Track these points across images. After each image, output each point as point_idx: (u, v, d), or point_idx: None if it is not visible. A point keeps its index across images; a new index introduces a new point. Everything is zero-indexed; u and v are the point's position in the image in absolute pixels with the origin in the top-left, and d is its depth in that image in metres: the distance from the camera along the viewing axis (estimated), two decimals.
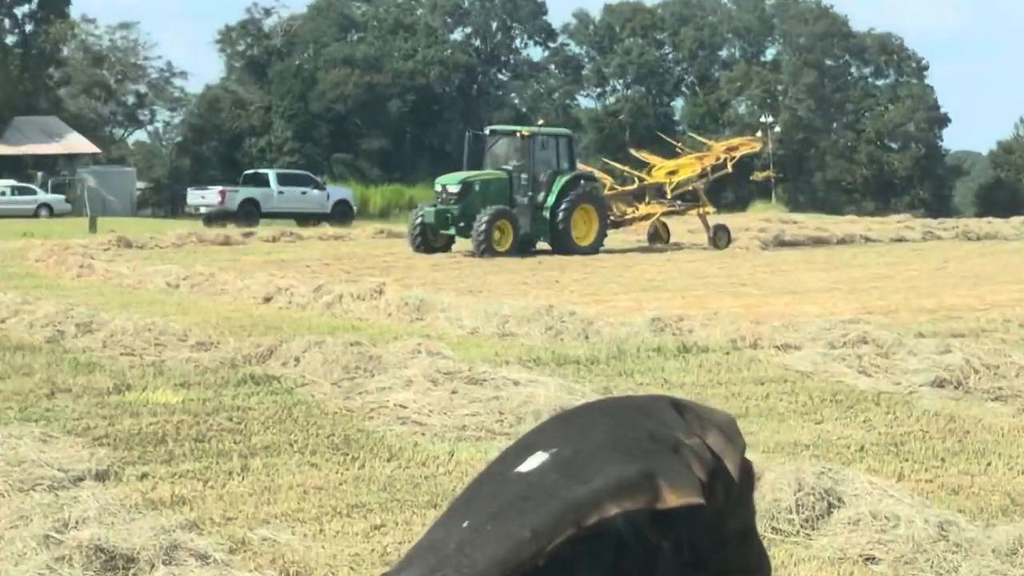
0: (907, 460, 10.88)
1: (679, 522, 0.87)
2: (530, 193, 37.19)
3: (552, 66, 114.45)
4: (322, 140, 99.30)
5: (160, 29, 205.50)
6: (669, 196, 41.09)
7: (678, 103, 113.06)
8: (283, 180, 63.62)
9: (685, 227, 43.13)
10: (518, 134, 38.81)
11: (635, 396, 1.00)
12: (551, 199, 37.07)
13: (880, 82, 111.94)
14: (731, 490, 0.94)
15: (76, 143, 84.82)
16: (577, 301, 22.73)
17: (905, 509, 8.40)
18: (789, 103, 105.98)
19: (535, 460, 0.93)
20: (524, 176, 37.41)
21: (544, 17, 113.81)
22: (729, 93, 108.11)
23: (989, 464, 10.76)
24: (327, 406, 13.23)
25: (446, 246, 37.56)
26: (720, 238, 39.72)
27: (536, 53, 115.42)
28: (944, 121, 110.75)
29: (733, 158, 41.85)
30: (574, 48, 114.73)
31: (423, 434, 11.87)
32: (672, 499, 0.91)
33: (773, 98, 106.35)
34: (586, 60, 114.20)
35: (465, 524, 0.91)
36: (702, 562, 0.96)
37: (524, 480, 0.92)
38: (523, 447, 0.95)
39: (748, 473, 0.96)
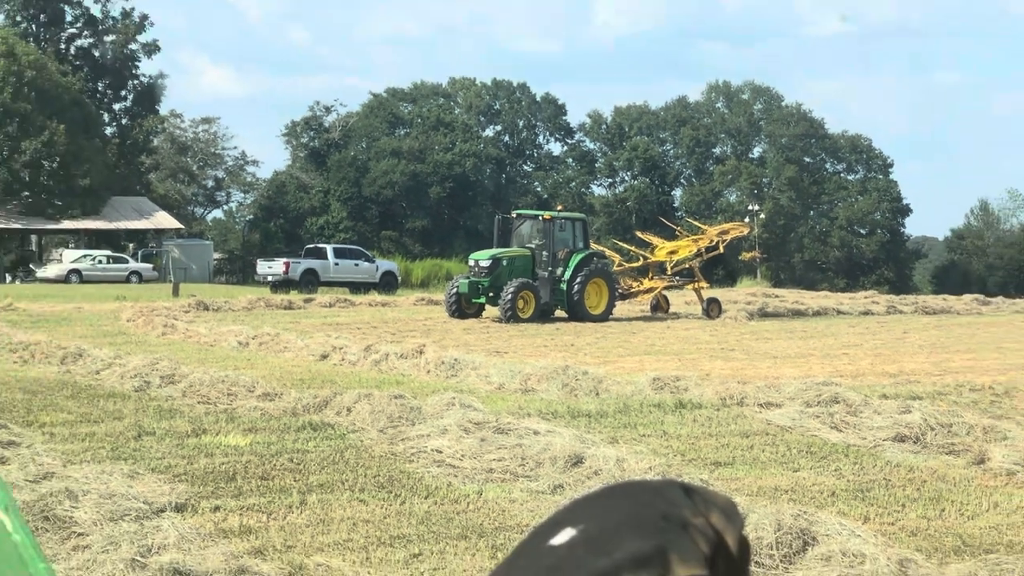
0: (872, 505, 10.83)
1: None
2: (550, 268, 37.17)
3: (570, 159, 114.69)
4: (372, 220, 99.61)
5: (236, 124, 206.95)
6: (669, 272, 41.07)
7: (677, 192, 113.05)
8: (338, 254, 63.66)
9: (682, 299, 43.09)
10: (540, 217, 38.81)
11: (650, 480, 1.03)
12: (568, 273, 37.02)
13: (851, 177, 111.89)
14: (731, 564, 0.96)
15: (163, 220, 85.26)
16: (589, 362, 22.70)
17: (870, 548, 8.36)
18: (773, 193, 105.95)
19: (565, 535, 0.96)
20: (545, 253, 37.41)
21: (563, 117, 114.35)
22: (721, 184, 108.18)
23: (943, 510, 10.70)
24: (374, 450, 13.23)
25: (477, 313, 37.52)
26: (712, 309, 39.61)
27: (556, 148, 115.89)
28: (906, 211, 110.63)
29: (724, 240, 41.79)
30: (589, 144, 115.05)
31: (456, 476, 11.85)
32: (681, 571, 0.93)
33: (759, 189, 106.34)
34: (599, 154, 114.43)
35: None
36: None
37: (555, 553, 0.95)
38: (554, 523, 0.98)
39: (745, 549, 0.99)
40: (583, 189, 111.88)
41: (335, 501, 10.71)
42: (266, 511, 10.29)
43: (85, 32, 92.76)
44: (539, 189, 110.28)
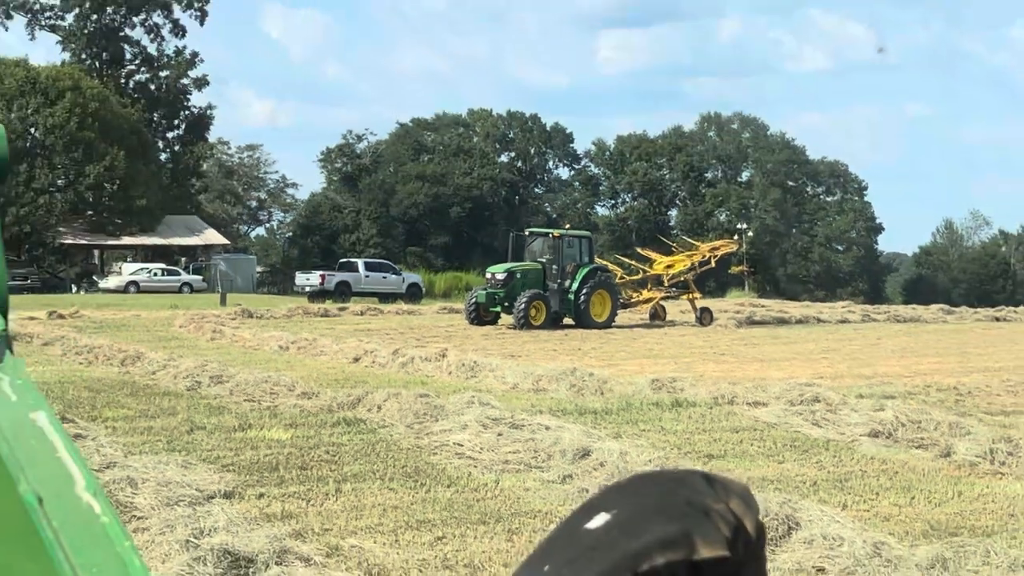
0: (850, 494, 10.83)
1: (708, 571, 0.92)
2: (559, 280, 37.21)
3: (576, 183, 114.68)
4: (399, 237, 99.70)
5: (277, 150, 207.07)
6: (666, 284, 41.08)
7: (673, 212, 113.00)
8: (369, 267, 63.73)
9: (678, 309, 43.08)
10: (550, 235, 38.87)
11: (675, 469, 1.05)
12: (575, 285, 37.07)
13: (830, 199, 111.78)
14: (748, 546, 0.98)
15: (211, 236, 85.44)
16: (594, 365, 22.71)
17: (848, 532, 8.36)
18: (759, 214, 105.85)
19: (600, 519, 0.98)
20: (554, 267, 37.45)
21: (571, 145, 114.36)
22: (712, 205, 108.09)
23: (913, 498, 10.70)
24: (402, 444, 13.24)
25: (494, 320, 37.55)
26: (705, 318, 39.61)
27: (564, 172, 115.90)
28: (879, 229, 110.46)
29: (715, 256, 41.81)
30: (593, 169, 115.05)
31: (475, 466, 11.87)
32: (704, 552, 0.96)
33: (747, 210, 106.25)
34: (603, 178, 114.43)
35: (546, 568, 0.96)
36: None
37: (592, 535, 0.97)
38: (589, 508, 1.00)
39: (762, 533, 1.01)
40: (588, 209, 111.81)
41: (367, 489, 10.73)
42: (305, 498, 10.31)
43: (143, 68, 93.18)
44: (548, 209, 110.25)
